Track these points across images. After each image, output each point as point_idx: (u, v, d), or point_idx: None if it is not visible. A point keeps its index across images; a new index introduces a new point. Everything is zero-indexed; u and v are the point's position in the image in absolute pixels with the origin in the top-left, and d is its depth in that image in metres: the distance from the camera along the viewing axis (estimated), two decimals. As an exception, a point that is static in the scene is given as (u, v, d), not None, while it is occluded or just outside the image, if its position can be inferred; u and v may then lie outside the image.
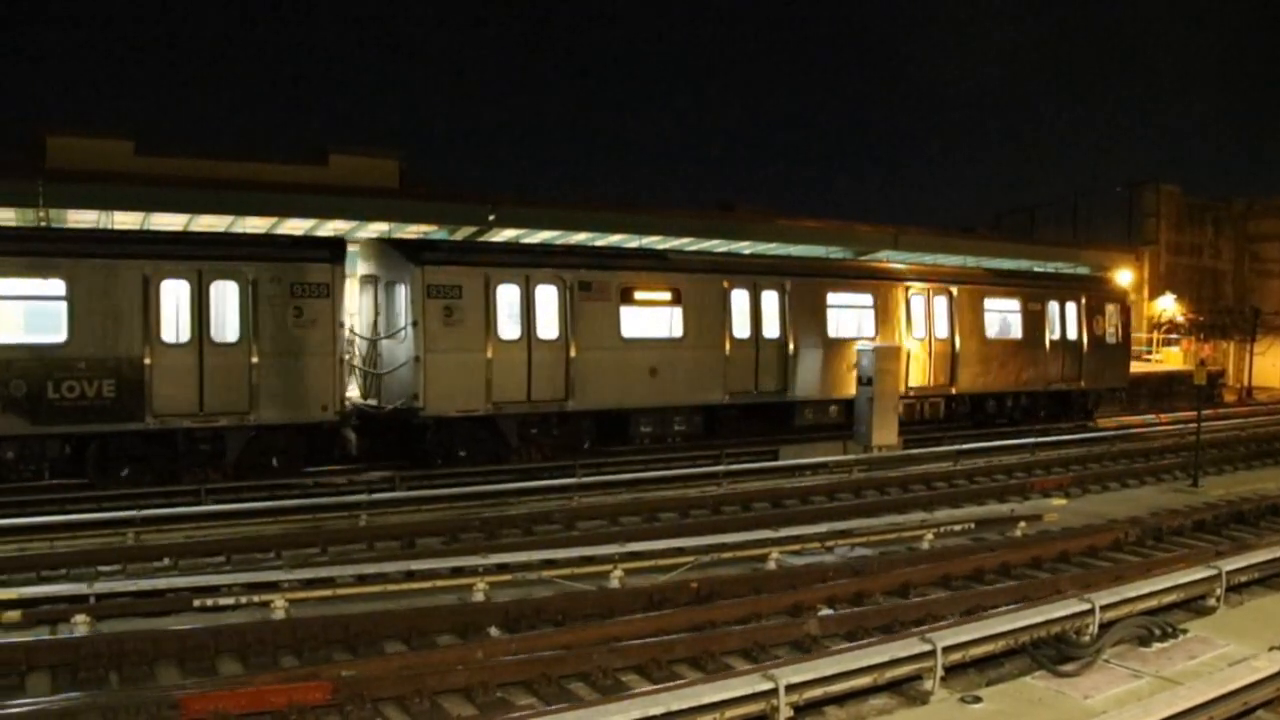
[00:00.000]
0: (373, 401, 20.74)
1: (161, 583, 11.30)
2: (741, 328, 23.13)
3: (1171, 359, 46.32)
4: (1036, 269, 38.42)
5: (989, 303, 27.63)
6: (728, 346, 22.74)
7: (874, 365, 23.11)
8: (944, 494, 18.34)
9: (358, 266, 22.22)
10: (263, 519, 15.37)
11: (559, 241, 31.96)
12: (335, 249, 19.47)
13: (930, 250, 41.42)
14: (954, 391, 26.72)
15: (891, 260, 34.83)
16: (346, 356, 19.74)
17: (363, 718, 7.97)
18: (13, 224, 25.47)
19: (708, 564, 12.87)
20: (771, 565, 12.91)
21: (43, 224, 26.40)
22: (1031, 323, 28.38)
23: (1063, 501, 17.13)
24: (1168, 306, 49.59)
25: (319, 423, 18.70)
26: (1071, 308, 29.39)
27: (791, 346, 23.62)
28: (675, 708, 6.97)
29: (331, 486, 18.11)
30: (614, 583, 11.91)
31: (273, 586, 11.10)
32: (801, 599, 11.15)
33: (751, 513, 16.66)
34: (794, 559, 13.29)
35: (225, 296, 18.19)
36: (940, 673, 8.31)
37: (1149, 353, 47.24)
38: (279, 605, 10.50)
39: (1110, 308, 30.66)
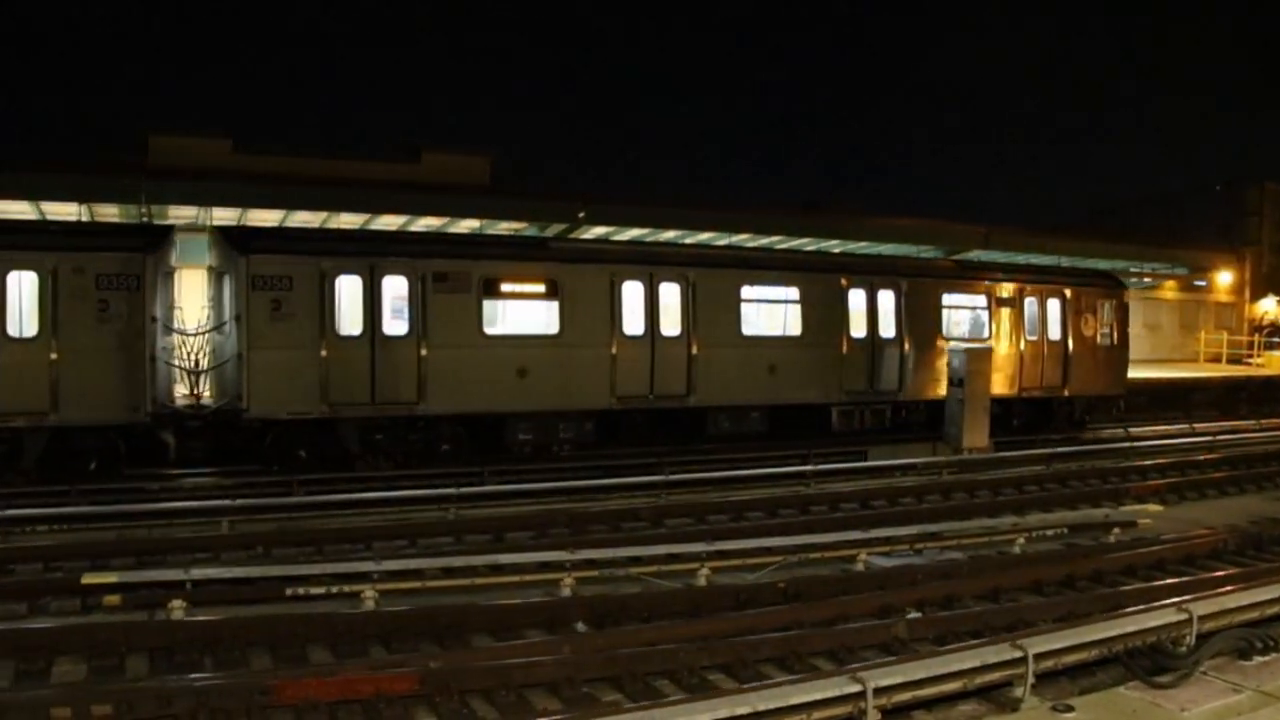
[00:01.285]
0: (202, 401, 19.39)
1: (255, 571, 11.50)
2: (634, 324, 20.97)
3: (1274, 363, 45.02)
4: (1010, 260, 36.44)
5: (948, 298, 25.05)
6: (615, 345, 20.65)
7: (965, 366, 22.63)
8: (1035, 498, 17.97)
9: (206, 257, 21.00)
10: (353, 510, 15.60)
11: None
12: (150, 238, 18.42)
13: (1022, 250, 40.89)
14: (902, 398, 24.13)
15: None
16: (165, 353, 18.26)
17: (449, 709, 8.02)
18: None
19: (795, 564, 12.78)
20: (860, 567, 12.77)
21: (144, 219, 27.10)
22: (999, 321, 25.43)
23: (1159, 508, 16.68)
24: (1270, 308, 48.27)
25: (130, 424, 17.54)
26: (1054, 304, 26.30)
27: (695, 348, 21.43)
28: (762, 708, 6.90)
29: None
30: (701, 581, 11.86)
31: (362, 577, 11.22)
32: (890, 601, 11.00)
33: (840, 513, 16.50)
34: (882, 560, 13.13)
35: (23, 288, 17.09)
36: (1031, 679, 8.13)
37: (1250, 356, 46.03)
38: (368, 596, 10.61)
39: (1103, 304, 27.31)
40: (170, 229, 20.57)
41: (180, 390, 19.36)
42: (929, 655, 8.46)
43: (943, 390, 23.77)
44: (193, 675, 8.46)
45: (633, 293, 20.98)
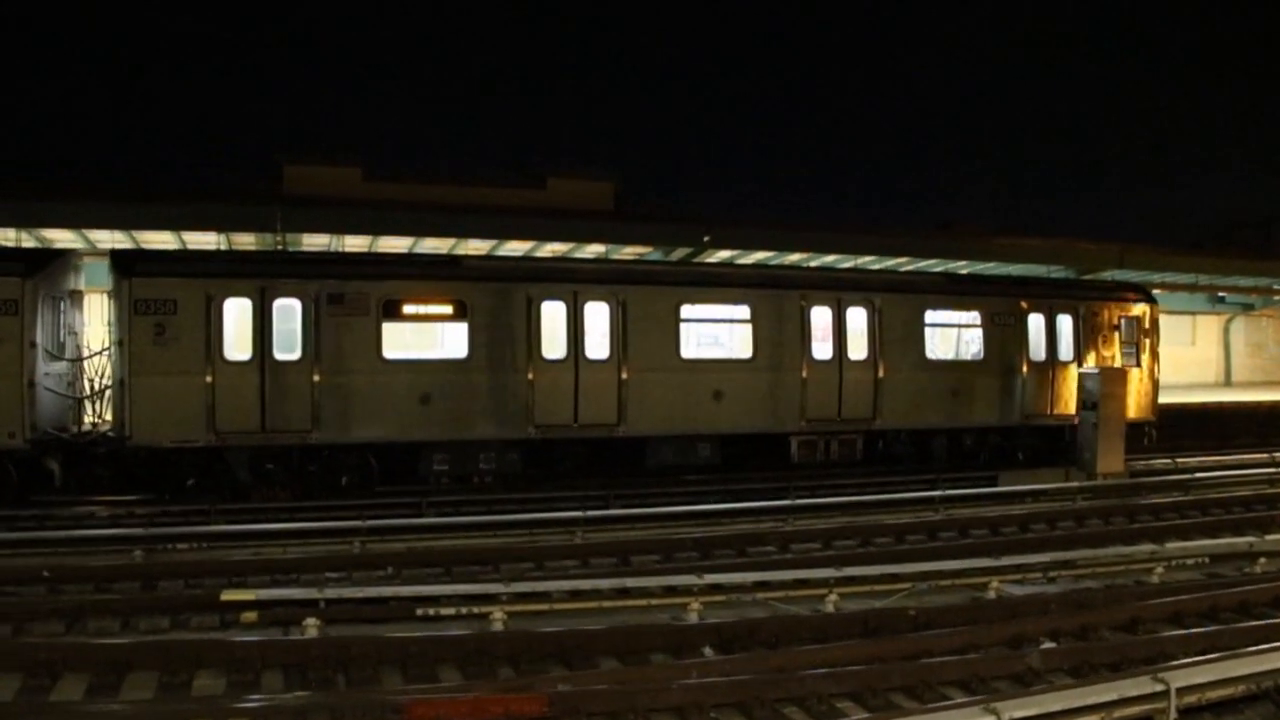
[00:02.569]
0: (84, 428, 18.68)
1: (386, 591, 11.71)
2: (554, 347, 19.39)
3: None
4: (1022, 274, 33.60)
5: (932, 315, 22.42)
6: (532, 372, 19.13)
7: (1099, 388, 21.98)
8: (1174, 525, 17.43)
9: (108, 281, 19.30)
10: (481, 533, 15.81)
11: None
12: (31, 262, 17.79)
13: (1159, 269, 39.77)
14: (878, 427, 21.75)
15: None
16: (49, 379, 17.53)
17: (577, 732, 8.06)
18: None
19: (924, 591, 12.57)
20: (991, 594, 12.52)
21: (279, 247, 27.91)
22: (996, 341, 22.79)
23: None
24: None
25: (8, 450, 16.87)
26: (1064, 321, 23.55)
27: (626, 373, 19.70)
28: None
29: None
30: (829, 607, 11.73)
31: (491, 599, 11.34)
32: (1022, 630, 10.75)
33: (969, 539, 16.22)
34: (1014, 589, 12.84)
35: None
36: (1173, 715, 7.87)
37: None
38: (497, 617, 10.73)
39: (1126, 320, 24.38)
40: (60, 253, 20.37)
41: (68, 417, 18.52)
42: (1064, 687, 8.26)
43: (929, 418, 22.16)
44: (326, 692, 8.65)
45: (552, 313, 19.49)
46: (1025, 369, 22.89)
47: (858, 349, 21.46)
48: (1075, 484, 20.93)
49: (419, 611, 11.15)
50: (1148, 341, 24.68)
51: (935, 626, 10.95)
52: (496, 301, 19.08)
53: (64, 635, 10.68)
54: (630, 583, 12.21)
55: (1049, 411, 23.27)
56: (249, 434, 17.74)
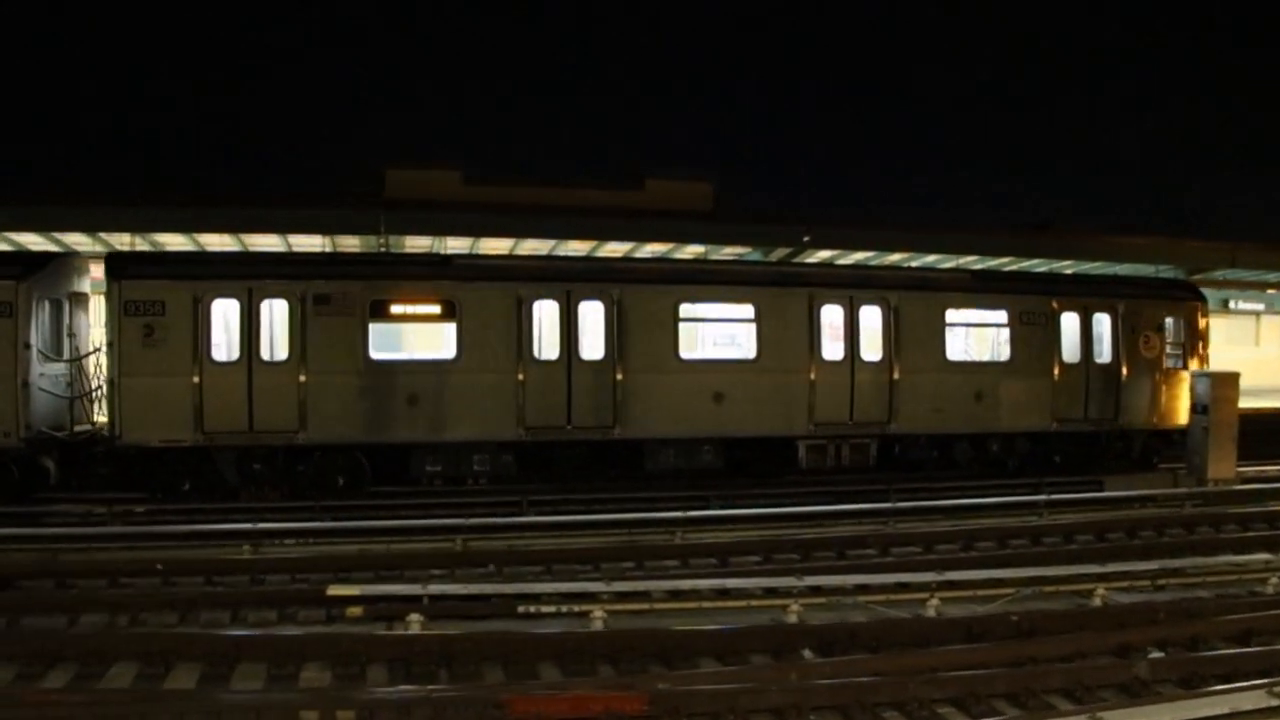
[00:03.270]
0: (77, 428, 18.79)
1: (488, 588, 11.91)
2: (545, 348, 19.21)
3: None
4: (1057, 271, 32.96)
5: (954, 315, 21.63)
6: (522, 373, 18.88)
7: (1210, 392, 21.36)
8: (1291, 533, 16.92)
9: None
10: (581, 532, 15.89)
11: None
12: (26, 265, 18.24)
13: (1276, 269, 38.56)
14: (893, 431, 20.96)
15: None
16: (45, 379, 17.82)
17: (677, 731, 8.08)
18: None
19: (1028, 597, 12.36)
20: (1096, 602, 12.26)
21: (382, 249, 28.40)
22: (1024, 341, 21.74)
23: None
24: None
25: (3, 448, 17.21)
26: (1101, 321, 22.38)
27: (622, 374, 19.32)
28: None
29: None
30: (930, 611, 11.60)
31: (591, 597, 11.44)
32: (1130, 639, 10.50)
33: (1074, 545, 15.89)
34: (1121, 596, 12.58)
35: None
36: (1290, 730, 7.67)
37: None
38: (597, 616, 10.78)
39: (1171, 320, 23.10)
40: (57, 256, 20.78)
41: (64, 417, 18.72)
42: (1174, 698, 8.09)
43: (950, 422, 21.17)
44: (430, 687, 8.80)
45: (546, 314, 19.25)
46: (1057, 371, 21.86)
47: (871, 350, 20.77)
48: (1184, 490, 20.39)
49: (520, 609, 11.28)
50: (1196, 343, 23.46)
51: (1039, 633, 10.77)
52: (486, 301, 18.86)
53: (177, 626, 11.01)
54: (730, 583, 12.24)
55: (1084, 416, 22.19)
56: (236, 434, 17.91)
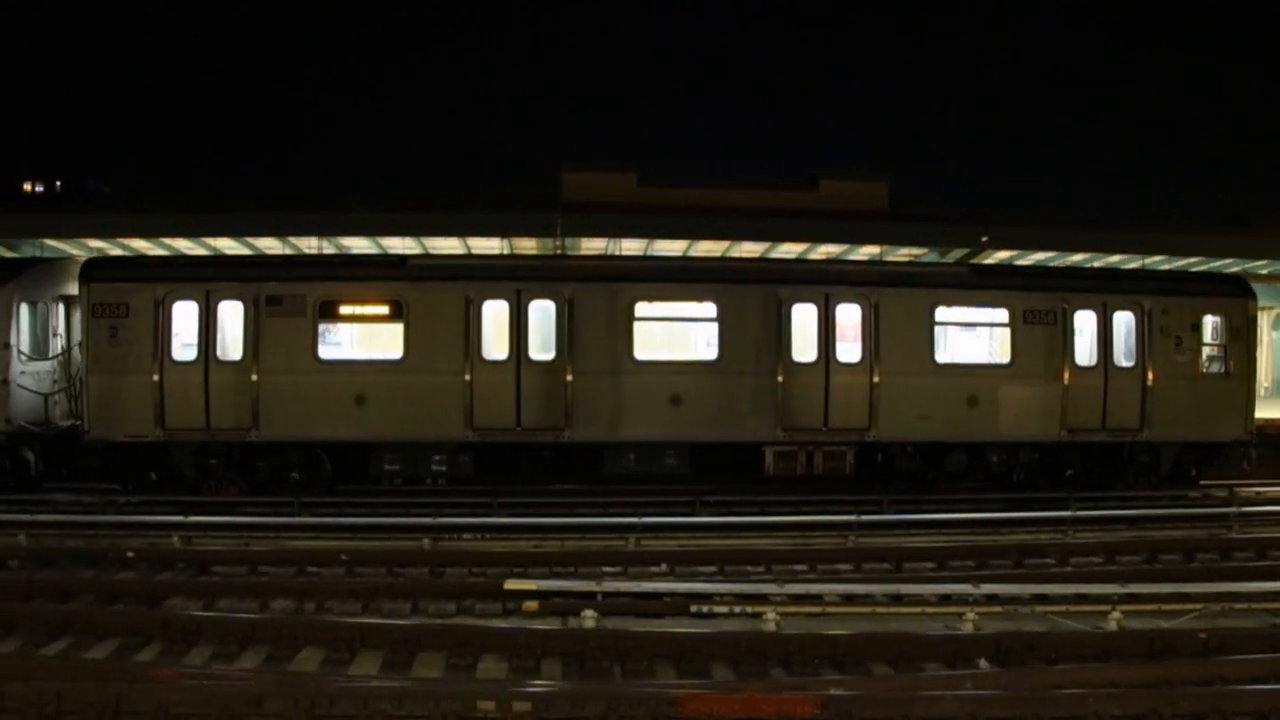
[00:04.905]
0: (54, 422, 19.36)
1: (661, 586, 11.93)
2: (494, 348, 18.68)
3: None
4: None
5: (944, 313, 19.77)
6: (470, 373, 18.44)
7: None
8: None
9: None
10: (754, 533, 15.87)
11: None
12: (7, 270, 19.07)
13: None
14: (873, 438, 19.26)
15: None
16: (25, 377, 18.62)
17: (852, 736, 7.96)
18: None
19: (1217, 613, 11.78)
20: (1295, 620, 11.64)
21: (558, 251, 28.84)
22: (1028, 342, 19.66)
23: None
24: None
25: None
26: (1122, 319, 20.08)
27: (572, 375, 18.62)
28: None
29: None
30: (1111, 624, 11.15)
31: (763, 599, 11.37)
32: (1332, 660, 9.95)
33: (1268, 561, 15.01)
34: (1323, 614, 11.92)
35: None
36: None
37: None
38: (770, 617, 10.70)
39: (1210, 319, 20.40)
40: (41, 261, 21.62)
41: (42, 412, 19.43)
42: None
43: (939, 429, 19.44)
44: (603, 682, 8.87)
45: (494, 313, 18.78)
46: (1068, 376, 19.62)
47: (848, 351, 19.30)
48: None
49: (693, 608, 11.26)
50: (1241, 345, 20.63)
51: (1229, 652, 10.24)
52: (434, 301, 18.70)
53: (360, 615, 11.36)
54: (904, 589, 12.01)
55: (1101, 425, 19.88)
56: (194, 431, 18.32)
